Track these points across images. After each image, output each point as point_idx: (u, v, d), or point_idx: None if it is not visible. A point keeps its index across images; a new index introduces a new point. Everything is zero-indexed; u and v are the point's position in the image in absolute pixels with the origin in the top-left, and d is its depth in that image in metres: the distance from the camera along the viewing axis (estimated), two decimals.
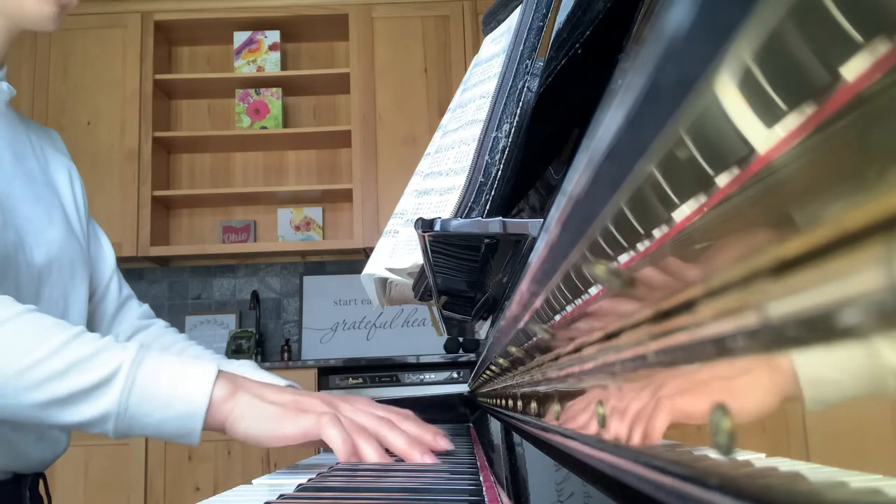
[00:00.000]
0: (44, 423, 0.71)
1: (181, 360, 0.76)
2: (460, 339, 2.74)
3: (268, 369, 1.02)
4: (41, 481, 0.95)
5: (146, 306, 1.13)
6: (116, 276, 1.08)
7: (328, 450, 0.77)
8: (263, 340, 3.11)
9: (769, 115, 0.12)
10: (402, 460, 0.74)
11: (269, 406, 0.75)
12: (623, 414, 0.23)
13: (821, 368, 0.12)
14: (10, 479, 0.88)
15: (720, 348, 0.15)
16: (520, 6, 0.53)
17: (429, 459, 0.73)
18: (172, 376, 0.73)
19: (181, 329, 3.07)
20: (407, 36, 3.11)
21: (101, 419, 0.71)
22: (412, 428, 0.78)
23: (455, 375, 2.70)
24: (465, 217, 0.48)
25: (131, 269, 3.16)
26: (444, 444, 0.78)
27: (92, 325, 1.03)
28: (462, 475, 0.64)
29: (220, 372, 0.75)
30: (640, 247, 0.19)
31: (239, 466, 2.58)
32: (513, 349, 0.48)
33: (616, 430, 0.24)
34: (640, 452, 0.21)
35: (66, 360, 0.70)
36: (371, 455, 0.73)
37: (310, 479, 0.65)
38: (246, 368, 0.97)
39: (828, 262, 0.11)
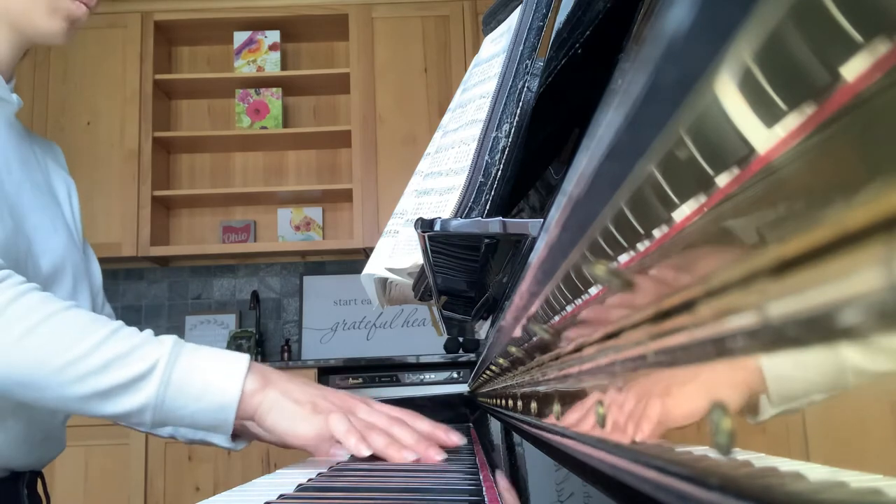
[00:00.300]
0: (86, 413, 0.75)
1: (214, 353, 0.79)
2: (460, 339, 2.74)
3: None
4: (39, 480, 0.95)
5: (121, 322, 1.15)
6: (102, 295, 1.10)
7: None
8: (263, 340, 3.11)
9: (769, 115, 0.12)
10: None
11: (293, 405, 0.79)
12: (623, 414, 0.23)
13: (821, 369, 0.12)
14: (7, 477, 0.88)
15: (720, 348, 0.15)
16: (520, 6, 0.53)
17: (437, 456, 0.77)
18: (206, 369, 0.77)
19: (181, 330, 3.09)
20: (407, 36, 3.11)
21: (140, 411, 0.75)
22: (425, 426, 0.82)
23: (455, 375, 2.70)
24: (465, 217, 0.48)
25: (131, 269, 3.16)
26: (457, 438, 0.81)
27: None
28: (462, 475, 0.64)
29: (251, 365, 0.79)
30: (640, 247, 0.19)
31: (239, 466, 2.58)
32: (513, 349, 0.48)
33: (616, 430, 0.24)
34: (640, 452, 0.21)
35: (106, 355, 0.74)
36: (379, 443, 0.76)
37: (310, 479, 0.65)
38: None
39: (828, 262, 0.11)
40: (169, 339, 0.77)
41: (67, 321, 0.74)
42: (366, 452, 0.75)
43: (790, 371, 0.12)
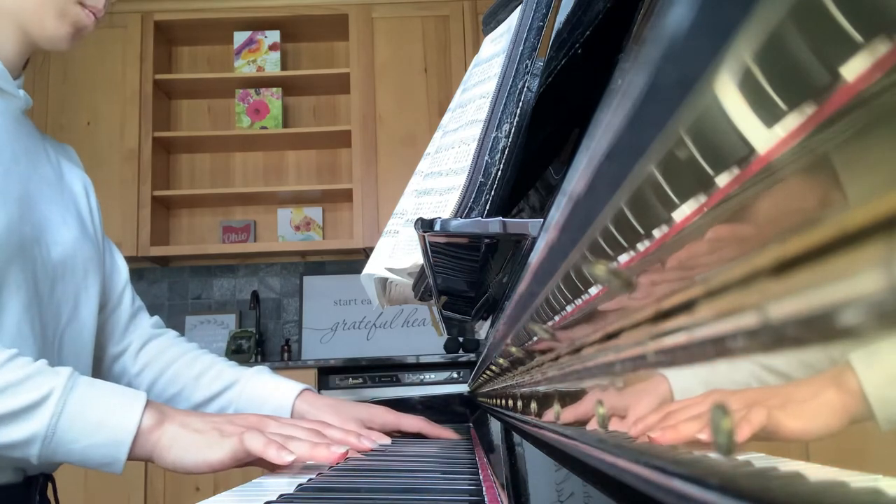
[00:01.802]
0: None
1: (112, 388, 0.77)
2: (460, 339, 2.74)
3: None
4: (50, 485, 0.95)
5: (157, 317, 1.17)
6: (129, 289, 1.11)
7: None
8: (263, 340, 3.11)
9: (769, 115, 0.12)
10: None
11: (195, 435, 0.77)
12: (623, 414, 0.23)
13: (820, 369, 0.12)
14: (20, 482, 0.88)
15: (720, 348, 0.15)
16: (520, 6, 0.53)
17: (369, 443, 0.79)
18: (102, 405, 0.75)
19: (181, 329, 3.08)
20: (407, 36, 3.11)
21: (28, 442, 0.72)
22: (337, 433, 0.82)
23: (455, 375, 2.70)
24: (465, 217, 0.48)
25: (131, 269, 3.15)
26: (368, 443, 0.83)
27: (105, 333, 1.06)
28: (462, 475, 0.64)
29: (148, 402, 0.77)
30: (640, 247, 0.19)
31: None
32: (513, 349, 0.48)
33: (616, 430, 0.24)
34: (640, 452, 0.21)
35: None
36: (301, 448, 0.75)
37: (310, 479, 0.65)
38: (265, 374, 1.02)
39: (828, 262, 0.11)
40: (65, 371, 0.75)
41: None
42: (289, 458, 0.74)
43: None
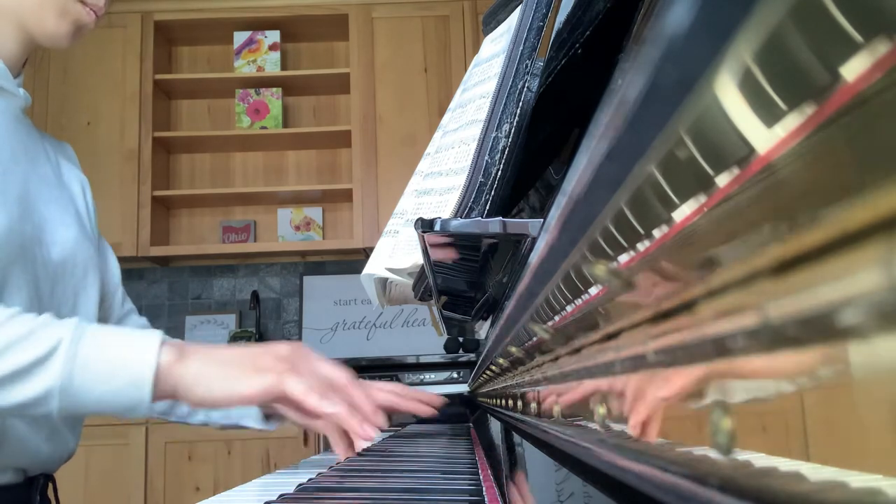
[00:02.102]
0: None
1: (123, 330, 0.74)
2: (460, 339, 2.74)
3: None
4: (50, 485, 0.96)
5: (145, 319, 1.15)
6: (121, 291, 1.10)
7: (328, 450, 0.78)
8: (263, 340, 3.11)
9: (769, 115, 0.12)
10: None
11: (224, 366, 0.73)
12: (623, 414, 0.23)
13: (820, 369, 0.12)
14: (21, 482, 0.88)
15: (720, 348, 0.15)
16: (520, 6, 0.53)
17: (370, 432, 0.75)
18: (116, 346, 0.71)
19: (181, 329, 3.08)
20: (407, 36, 3.11)
21: (44, 397, 0.69)
22: (378, 394, 0.80)
23: (455, 375, 2.70)
24: (465, 217, 0.48)
25: (131, 269, 3.16)
26: (370, 430, 0.78)
27: None
28: (462, 475, 0.64)
29: (164, 339, 0.74)
30: (640, 247, 0.19)
31: (239, 466, 2.58)
32: (513, 349, 0.48)
33: (616, 429, 0.24)
34: (640, 452, 0.21)
35: (1, 340, 0.68)
36: (341, 409, 0.73)
37: (310, 479, 0.65)
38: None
39: (828, 262, 0.11)
40: (71, 321, 0.72)
41: None
42: (329, 409, 0.71)
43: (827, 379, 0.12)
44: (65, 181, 1.00)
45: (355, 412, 0.74)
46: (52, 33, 0.91)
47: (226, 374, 0.73)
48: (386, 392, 0.92)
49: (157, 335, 0.74)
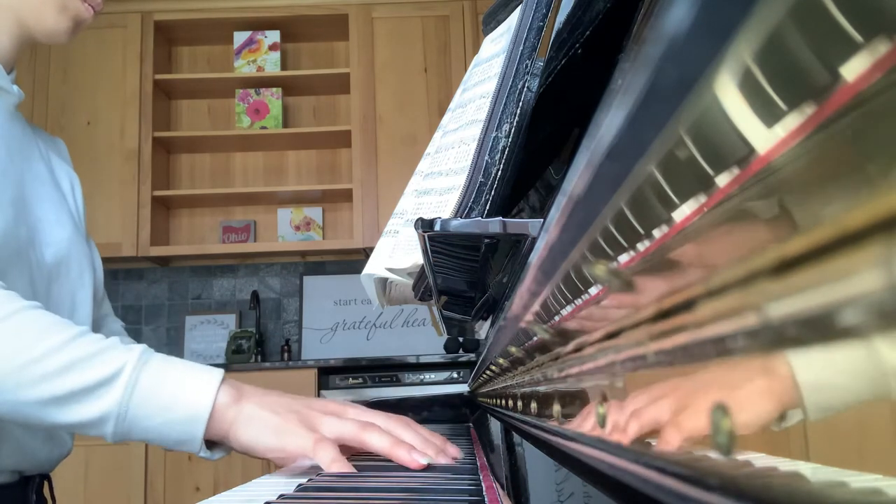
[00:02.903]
0: (42, 422, 0.70)
1: (186, 364, 0.75)
2: (460, 339, 2.74)
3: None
4: (46, 483, 0.95)
5: (120, 324, 1.13)
6: (102, 293, 1.08)
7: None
8: (263, 340, 3.11)
9: (769, 115, 0.12)
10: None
11: (273, 416, 0.73)
12: (623, 414, 0.23)
13: (820, 370, 0.12)
14: (17, 482, 0.88)
15: (720, 348, 0.15)
16: (520, 6, 0.53)
17: (443, 460, 0.72)
18: (177, 380, 0.72)
19: (181, 329, 3.08)
20: (407, 36, 3.11)
21: (101, 420, 0.69)
22: (420, 432, 0.77)
23: (455, 375, 2.70)
24: (465, 217, 0.48)
25: (131, 269, 3.16)
26: (454, 451, 0.76)
27: None
28: (462, 475, 0.64)
29: (224, 377, 0.75)
30: (640, 247, 0.19)
31: (239, 466, 2.58)
32: (513, 349, 0.48)
33: (616, 430, 0.24)
34: (640, 452, 0.21)
35: (67, 357, 0.69)
36: (382, 442, 0.71)
37: (310, 479, 0.65)
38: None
39: (828, 262, 0.11)
40: (138, 347, 0.73)
41: (29, 321, 0.70)
42: (376, 443, 0.70)
43: (827, 379, 0.12)
44: (57, 179, 1.00)
45: (399, 446, 0.72)
46: (51, 30, 0.91)
47: (275, 425, 0.73)
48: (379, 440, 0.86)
49: (217, 375, 0.74)
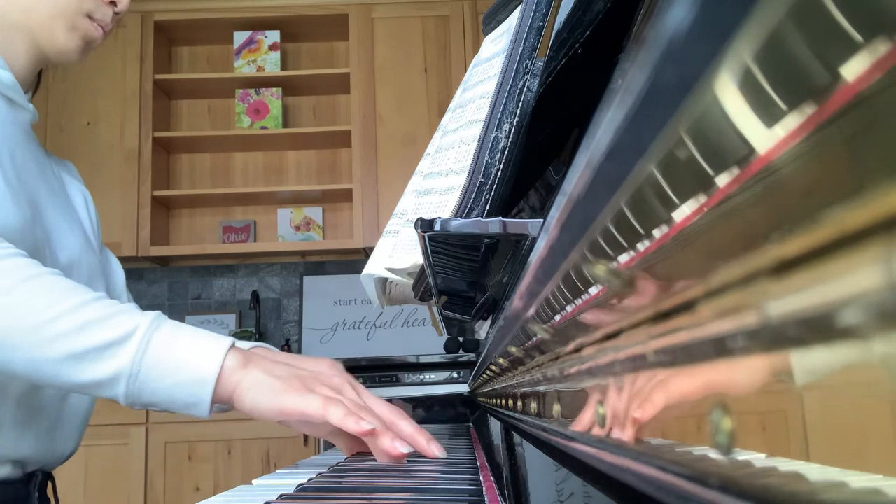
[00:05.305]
0: (59, 381, 0.72)
1: (197, 330, 0.78)
2: (460, 339, 2.74)
3: None
4: (50, 483, 0.96)
5: None
6: (126, 296, 1.12)
7: (328, 450, 0.77)
8: (263, 340, 3.11)
9: (769, 115, 0.12)
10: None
11: (276, 380, 0.76)
12: (623, 414, 0.23)
13: (820, 370, 0.12)
14: (20, 478, 0.88)
15: (720, 348, 0.15)
16: (520, 6, 0.53)
17: (437, 450, 0.75)
18: (186, 343, 0.75)
19: None
20: (407, 36, 3.11)
21: (113, 379, 0.72)
22: (407, 428, 0.80)
23: (455, 375, 2.70)
24: (465, 217, 0.48)
25: (131, 268, 3.15)
26: (437, 450, 0.79)
27: None
28: (462, 475, 0.64)
29: (233, 344, 0.77)
30: (640, 247, 0.19)
31: (239, 466, 2.58)
32: (513, 349, 0.49)
33: (616, 429, 0.24)
34: (640, 452, 0.21)
35: (83, 317, 0.72)
36: (373, 424, 0.74)
37: (310, 479, 0.65)
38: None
39: (828, 262, 0.11)
40: (151, 312, 0.76)
41: (48, 284, 0.73)
42: (367, 427, 0.72)
43: (827, 379, 0.12)
44: (69, 194, 1.03)
45: (385, 433, 0.75)
46: (62, 48, 0.94)
47: (276, 387, 0.75)
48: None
49: (226, 341, 0.77)
